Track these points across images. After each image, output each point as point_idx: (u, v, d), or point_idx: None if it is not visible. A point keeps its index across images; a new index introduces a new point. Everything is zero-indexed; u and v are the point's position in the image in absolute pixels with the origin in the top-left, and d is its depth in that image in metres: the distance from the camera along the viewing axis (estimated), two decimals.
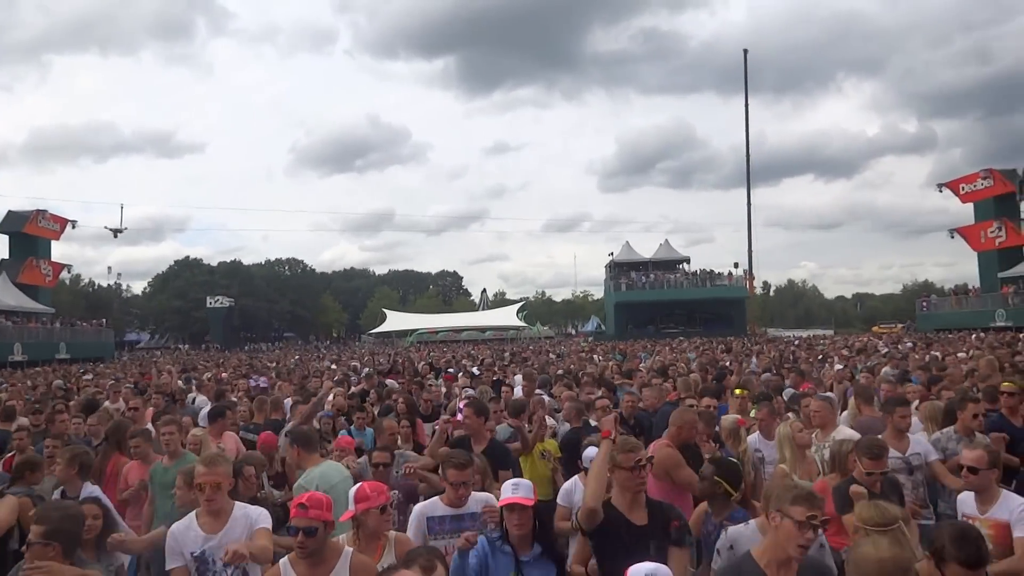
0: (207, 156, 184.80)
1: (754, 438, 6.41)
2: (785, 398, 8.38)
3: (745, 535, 3.65)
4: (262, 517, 3.76)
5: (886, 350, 21.27)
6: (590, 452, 5.04)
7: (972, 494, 4.22)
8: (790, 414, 7.71)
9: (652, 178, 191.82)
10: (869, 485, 4.29)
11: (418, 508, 4.18)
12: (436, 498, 4.15)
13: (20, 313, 47.71)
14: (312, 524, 3.25)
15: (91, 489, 5.15)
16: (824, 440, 5.81)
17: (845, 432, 5.67)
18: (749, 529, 3.69)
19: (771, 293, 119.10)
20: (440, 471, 4.67)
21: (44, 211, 55.58)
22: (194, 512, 3.82)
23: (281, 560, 3.40)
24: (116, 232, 65.39)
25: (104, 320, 62.98)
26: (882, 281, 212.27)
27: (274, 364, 28.75)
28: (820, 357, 17.27)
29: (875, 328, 66.70)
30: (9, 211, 54.04)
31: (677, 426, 5.49)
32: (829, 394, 7.77)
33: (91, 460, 5.58)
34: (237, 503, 3.86)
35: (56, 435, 6.93)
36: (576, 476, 5.23)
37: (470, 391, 10.59)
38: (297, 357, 34.39)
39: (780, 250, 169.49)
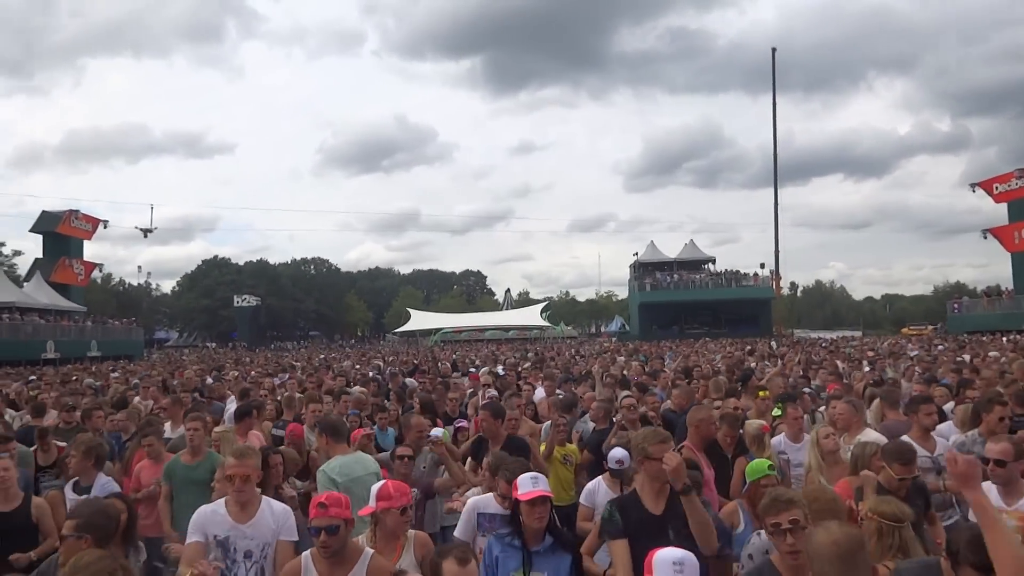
0: (236, 157, 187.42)
1: (779, 440, 6.36)
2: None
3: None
4: (287, 526, 3.79)
5: (915, 352, 20.98)
6: (616, 453, 5.05)
7: (995, 487, 4.15)
8: (818, 412, 7.68)
9: (678, 178, 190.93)
10: (896, 490, 4.24)
11: (471, 502, 4.24)
12: (491, 495, 4.18)
13: (53, 311, 48.62)
14: (333, 522, 3.27)
15: (105, 480, 5.28)
16: (850, 443, 5.74)
17: (871, 435, 5.58)
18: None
19: (798, 294, 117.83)
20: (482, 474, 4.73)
21: (76, 211, 56.63)
22: (223, 499, 3.88)
23: (303, 554, 3.44)
24: (146, 232, 66.53)
25: (134, 319, 64.06)
26: (912, 282, 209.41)
27: (299, 363, 29.07)
28: (849, 360, 17.01)
29: (904, 330, 65.69)
30: (43, 211, 55.21)
31: (694, 425, 5.47)
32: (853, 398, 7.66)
33: (105, 452, 5.71)
34: (265, 498, 3.91)
35: (92, 431, 7.10)
36: (600, 477, 5.22)
37: (492, 392, 10.63)
38: (323, 356, 34.64)
39: (808, 250, 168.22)
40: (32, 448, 7.21)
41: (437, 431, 6.46)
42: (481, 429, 6.07)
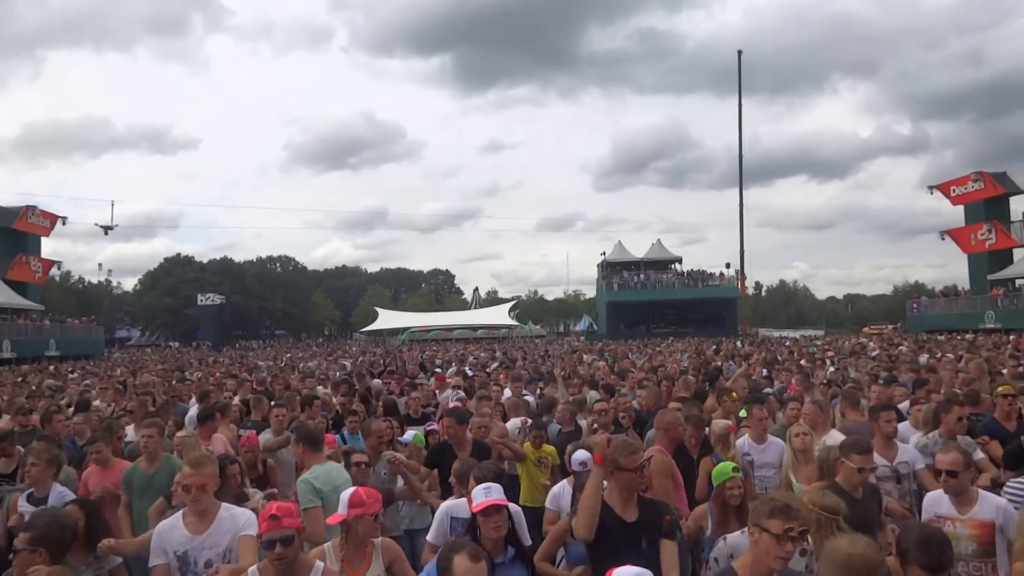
0: (201, 153, 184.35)
1: (743, 441, 6.41)
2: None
3: (746, 543, 3.65)
4: (248, 522, 3.73)
5: (876, 352, 21.35)
6: (579, 455, 5.04)
7: (944, 495, 4.23)
8: (777, 413, 7.78)
9: (646, 178, 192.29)
10: (854, 487, 4.30)
11: (444, 506, 4.24)
12: (464, 499, 4.15)
13: (9, 310, 47.35)
14: (287, 533, 3.25)
15: (60, 491, 5.11)
16: (817, 444, 5.82)
17: (836, 437, 5.67)
18: (745, 538, 3.69)
19: (763, 293, 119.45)
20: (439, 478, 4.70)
21: (34, 207, 55.23)
22: (180, 512, 3.80)
23: (250, 569, 3.38)
24: (107, 229, 64.97)
25: (94, 317, 62.67)
26: (873, 282, 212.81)
27: (265, 363, 28.67)
28: (812, 359, 17.25)
29: (866, 329, 67.00)
30: None
31: (663, 429, 5.47)
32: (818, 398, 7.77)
33: (63, 461, 5.59)
34: (224, 504, 3.84)
35: (50, 436, 6.92)
36: (564, 480, 5.21)
37: (461, 393, 10.59)
38: (289, 355, 34.25)
39: (772, 250, 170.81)
40: None
41: (408, 435, 6.40)
42: (447, 435, 6.02)
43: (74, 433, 7.81)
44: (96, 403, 10.17)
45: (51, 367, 31.65)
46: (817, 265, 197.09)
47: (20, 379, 19.42)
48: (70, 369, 29.16)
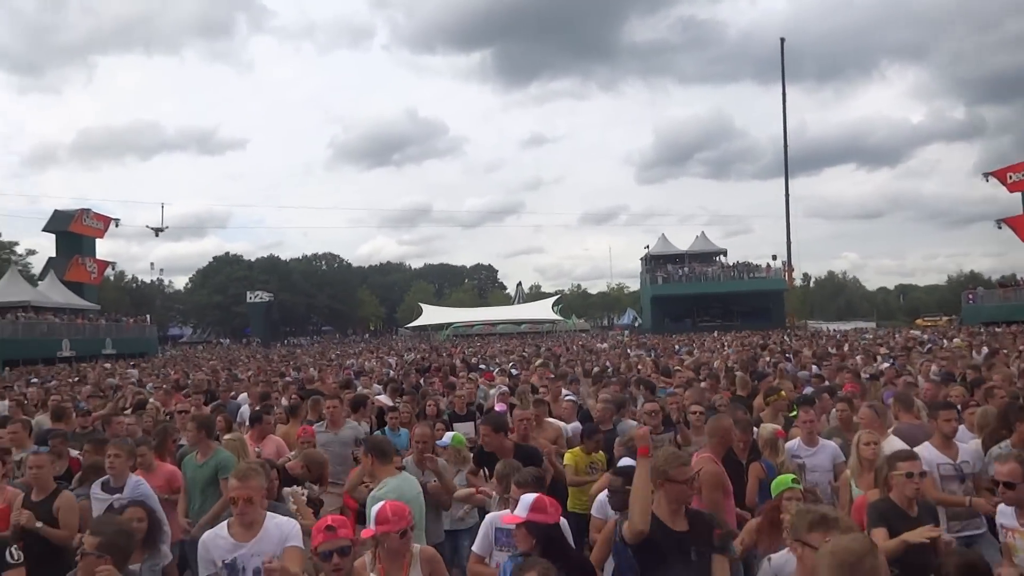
0: (248, 153, 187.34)
1: (794, 444, 6.26)
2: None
3: (791, 563, 3.56)
4: (294, 533, 3.77)
5: (929, 345, 20.68)
6: (622, 462, 4.98)
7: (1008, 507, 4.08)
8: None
9: (690, 169, 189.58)
10: (908, 502, 4.14)
11: (488, 517, 4.21)
12: (507, 510, 4.10)
13: (67, 310, 49.01)
14: (343, 544, 3.30)
15: (135, 481, 5.26)
16: None
17: (894, 443, 5.45)
18: (794, 558, 3.60)
19: (811, 285, 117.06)
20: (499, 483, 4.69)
21: (88, 210, 56.98)
22: (226, 521, 3.86)
23: None
24: (157, 231, 66.86)
25: (147, 316, 64.46)
26: (926, 272, 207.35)
27: (312, 358, 29.15)
28: (867, 354, 16.72)
29: (919, 321, 65.24)
30: (55, 211, 55.61)
31: (718, 437, 5.37)
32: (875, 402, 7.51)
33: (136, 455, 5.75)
34: (269, 514, 3.89)
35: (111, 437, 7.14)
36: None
37: (504, 389, 10.58)
38: (338, 353, 34.73)
39: (821, 241, 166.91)
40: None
41: (446, 438, 6.36)
42: (484, 444, 5.96)
43: (127, 434, 7.99)
44: (151, 403, 10.41)
45: (107, 365, 32.71)
46: (867, 255, 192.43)
47: (77, 378, 20.04)
48: (131, 365, 30.10)
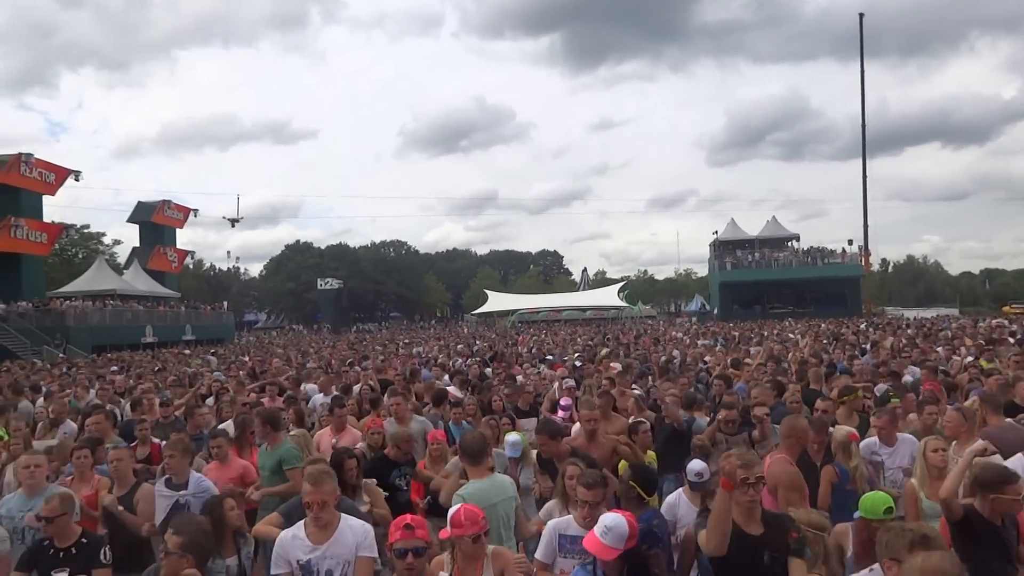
0: (320, 142, 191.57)
1: (872, 441, 6.06)
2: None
3: None
4: (367, 543, 3.83)
5: (1020, 335, 19.58)
6: (694, 466, 4.89)
7: None
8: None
9: (762, 151, 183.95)
10: (998, 516, 3.93)
11: (551, 524, 4.17)
12: (570, 516, 4.10)
13: (150, 298, 51.32)
14: (419, 544, 3.35)
15: (197, 477, 5.42)
16: (959, 453, 5.35)
17: (997, 456, 5.07)
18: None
19: (889, 270, 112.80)
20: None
21: (169, 201, 59.50)
22: (302, 522, 3.95)
23: None
24: (233, 222, 69.23)
25: (224, 303, 66.88)
26: (1015, 255, 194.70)
27: (382, 345, 29.60)
28: (950, 344, 15.78)
29: (1006, 308, 62.12)
30: (139, 202, 58.40)
31: (794, 438, 5.21)
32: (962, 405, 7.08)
33: (193, 449, 5.94)
34: (344, 516, 3.96)
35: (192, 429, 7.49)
36: (680, 490, 5.05)
37: (570, 382, 10.51)
38: (406, 341, 35.23)
39: (900, 224, 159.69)
40: (132, 444, 7.61)
41: (514, 435, 6.35)
42: (542, 451, 5.92)
43: (203, 425, 8.25)
44: (231, 393, 10.71)
45: (186, 351, 34.06)
46: (951, 238, 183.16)
47: (159, 368, 20.89)
48: (211, 351, 31.26)
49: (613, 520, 3.49)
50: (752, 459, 3.72)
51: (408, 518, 3.43)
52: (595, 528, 3.52)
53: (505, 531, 4.49)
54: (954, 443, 5.55)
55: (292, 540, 3.86)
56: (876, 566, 3.50)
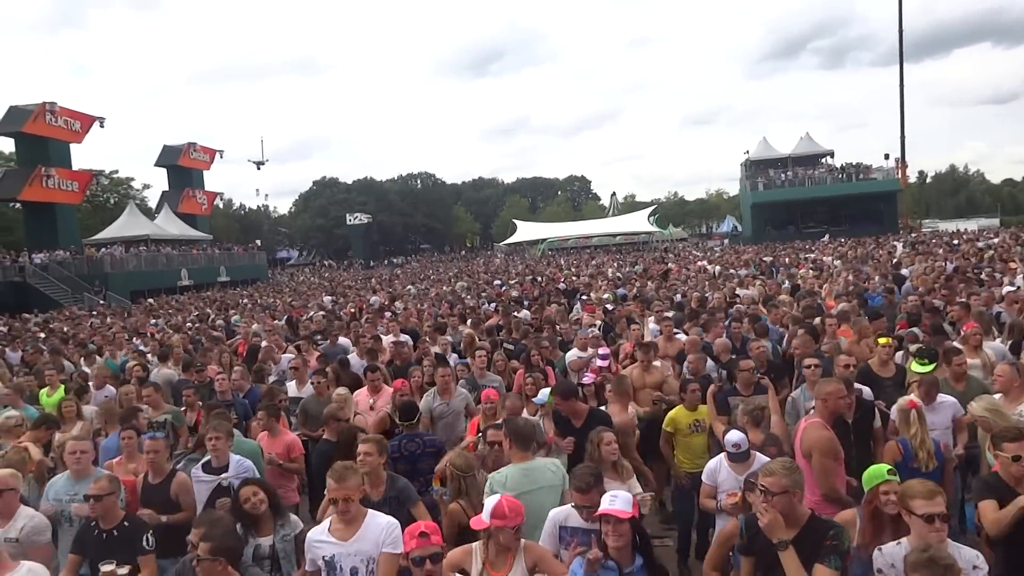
0: (346, 73, 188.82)
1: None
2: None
3: (899, 555, 3.41)
4: (391, 539, 3.83)
5: None
6: (732, 436, 4.85)
7: None
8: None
9: (803, 61, 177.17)
10: (1015, 481, 3.88)
11: (552, 515, 4.10)
12: (570, 507, 4.04)
13: (184, 241, 51.98)
14: (435, 550, 3.35)
15: (238, 459, 5.32)
16: (1012, 410, 5.17)
17: None
18: (902, 548, 3.43)
19: (927, 181, 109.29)
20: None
21: (194, 143, 59.62)
22: (329, 519, 4.00)
23: None
24: (259, 164, 69.32)
25: (257, 242, 67.57)
26: None
27: (416, 286, 29.47)
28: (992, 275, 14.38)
29: None
30: (164, 146, 58.41)
31: (825, 400, 5.05)
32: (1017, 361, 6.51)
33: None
34: (371, 512, 3.99)
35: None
36: (721, 455, 5.00)
37: (595, 330, 10.41)
38: (433, 279, 35.20)
39: (943, 130, 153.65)
40: (182, 409, 7.76)
41: (543, 395, 6.25)
42: (559, 409, 5.81)
43: (235, 388, 8.23)
44: (263, 353, 10.81)
45: (219, 295, 34.56)
46: (996, 144, 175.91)
47: (196, 314, 21.10)
48: (242, 297, 31.67)
49: (614, 492, 3.64)
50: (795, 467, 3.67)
51: (422, 525, 3.43)
52: (603, 501, 3.51)
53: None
54: (1003, 399, 5.36)
55: (320, 535, 3.93)
56: (904, 539, 3.47)
